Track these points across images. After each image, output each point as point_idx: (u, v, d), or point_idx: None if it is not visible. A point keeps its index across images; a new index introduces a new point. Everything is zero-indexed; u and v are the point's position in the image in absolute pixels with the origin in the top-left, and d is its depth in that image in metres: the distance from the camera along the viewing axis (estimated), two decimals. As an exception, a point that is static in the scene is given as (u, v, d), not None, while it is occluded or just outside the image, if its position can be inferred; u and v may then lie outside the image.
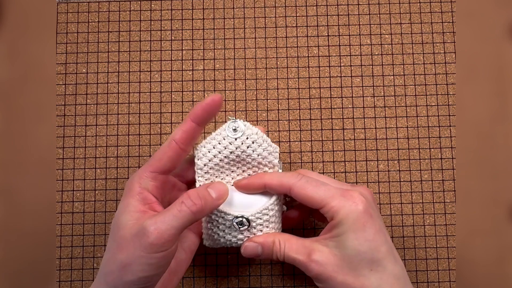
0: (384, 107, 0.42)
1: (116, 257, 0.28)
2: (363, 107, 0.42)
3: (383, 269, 0.29)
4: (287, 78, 0.42)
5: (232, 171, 0.34)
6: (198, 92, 0.42)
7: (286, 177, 0.32)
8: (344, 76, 0.42)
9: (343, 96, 0.42)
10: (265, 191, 0.33)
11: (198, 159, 0.33)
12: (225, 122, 0.33)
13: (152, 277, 0.28)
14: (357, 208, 0.30)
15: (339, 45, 0.43)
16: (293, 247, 0.31)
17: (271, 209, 0.33)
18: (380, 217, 0.31)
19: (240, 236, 0.33)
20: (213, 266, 0.40)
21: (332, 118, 0.41)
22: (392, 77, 0.42)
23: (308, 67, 0.42)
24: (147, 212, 0.29)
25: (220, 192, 0.30)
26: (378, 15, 0.43)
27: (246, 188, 0.33)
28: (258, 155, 0.33)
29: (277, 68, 0.42)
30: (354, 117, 0.41)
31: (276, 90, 0.42)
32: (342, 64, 0.42)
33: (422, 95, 0.42)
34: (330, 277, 0.29)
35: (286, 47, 0.43)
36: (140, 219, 0.28)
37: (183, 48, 0.43)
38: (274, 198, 0.33)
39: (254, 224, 0.32)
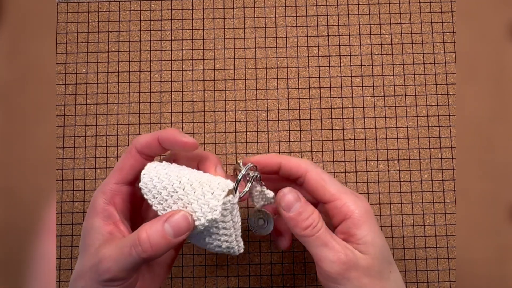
0: (384, 107, 0.42)
1: (76, 284, 0.27)
2: (363, 107, 0.42)
3: (395, 270, 0.29)
4: (287, 78, 0.42)
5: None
6: (198, 92, 0.42)
7: (303, 161, 0.31)
8: (344, 76, 0.42)
9: (343, 96, 0.42)
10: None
11: (143, 184, 0.29)
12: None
13: None
14: (368, 207, 0.29)
15: (339, 45, 0.43)
16: (328, 230, 0.29)
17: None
18: None
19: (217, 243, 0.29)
20: (213, 266, 0.40)
21: (332, 118, 0.41)
22: (392, 77, 0.42)
23: (308, 67, 0.42)
24: (111, 233, 0.28)
25: (179, 231, 0.26)
26: (378, 15, 0.43)
27: (259, 163, 0.31)
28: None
29: (277, 68, 0.42)
30: (354, 117, 0.41)
31: (276, 90, 0.42)
32: (342, 64, 0.42)
33: (422, 95, 0.42)
34: (359, 274, 0.27)
35: (286, 47, 0.43)
36: (101, 246, 0.27)
37: (183, 48, 0.43)
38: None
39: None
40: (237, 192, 0.29)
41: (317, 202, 0.32)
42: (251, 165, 0.30)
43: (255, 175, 0.30)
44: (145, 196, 0.29)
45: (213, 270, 0.40)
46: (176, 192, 0.28)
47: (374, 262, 0.28)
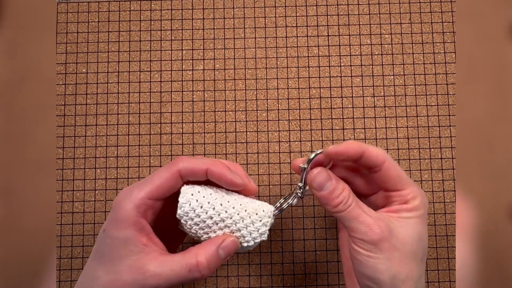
0: (384, 107, 0.42)
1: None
2: (363, 107, 0.42)
3: (423, 265, 0.30)
4: (287, 78, 0.42)
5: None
6: (198, 92, 0.42)
7: (380, 150, 0.32)
8: (344, 76, 0.42)
9: (343, 96, 0.42)
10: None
11: (183, 215, 0.30)
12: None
13: None
14: (427, 204, 0.31)
15: (339, 45, 0.43)
16: (361, 204, 0.30)
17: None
18: None
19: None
20: (213, 266, 0.40)
21: (332, 118, 0.41)
22: (392, 77, 0.42)
23: (308, 67, 0.42)
24: (147, 246, 0.29)
25: (229, 255, 0.30)
26: (378, 15, 0.43)
27: (342, 153, 0.31)
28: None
29: (277, 68, 0.42)
30: (354, 117, 0.41)
31: (276, 90, 0.42)
32: (342, 64, 0.42)
33: (422, 95, 0.42)
34: (391, 247, 0.29)
35: (286, 47, 0.43)
36: (142, 259, 0.28)
37: (183, 48, 0.43)
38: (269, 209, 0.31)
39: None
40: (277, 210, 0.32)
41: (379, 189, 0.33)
42: (305, 188, 0.32)
43: (299, 193, 0.32)
44: (183, 222, 0.30)
45: (213, 270, 0.40)
46: (223, 221, 0.30)
47: (409, 241, 0.29)
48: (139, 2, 0.43)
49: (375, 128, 0.41)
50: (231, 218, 0.30)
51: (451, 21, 0.43)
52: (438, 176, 0.41)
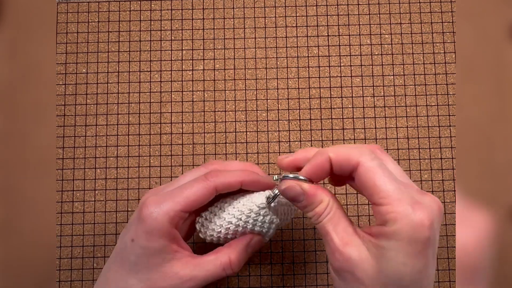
0: (384, 107, 0.42)
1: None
2: (363, 107, 0.42)
3: None
4: (287, 78, 0.42)
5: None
6: (198, 92, 0.42)
7: (356, 150, 0.26)
8: (344, 76, 0.42)
9: (343, 96, 0.42)
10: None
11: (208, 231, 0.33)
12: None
13: None
14: (421, 230, 0.24)
15: (339, 45, 0.43)
16: (336, 221, 0.27)
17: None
18: (437, 242, 0.26)
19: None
20: (213, 266, 0.40)
21: (332, 118, 0.41)
22: (392, 77, 0.42)
23: (308, 67, 0.42)
24: (178, 252, 0.30)
25: (256, 250, 0.32)
26: (378, 15, 0.43)
27: (289, 165, 0.30)
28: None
29: (277, 68, 0.42)
30: (354, 117, 0.41)
31: (276, 90, 0.42)
32: (342, 64, 0.42)
33: (422, 95, 0.42)
34: (355, 279, 0.25)
35: (286, 47, 0.43)
36: (175, 266, 0.29)
37: (183, 48, 0.43)
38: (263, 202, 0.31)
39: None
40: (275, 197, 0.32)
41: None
42: (277, 192, 0.30)
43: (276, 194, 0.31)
44: (203, 237, 0.33)
45: (213, 270, 0.40)
46: (237, 231, 0.32)
47: (380, 273, 0.24)
48: (139, 2, 0.43)
49: (375, 128, 0.41)
50: (241, 219, 0.31)
51: (451, 21, 0.43)
52: (438, 176, 0.41)
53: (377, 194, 0.25)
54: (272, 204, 0.31)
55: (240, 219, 0.31)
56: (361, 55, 0.42)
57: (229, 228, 0.31)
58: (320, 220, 0.27)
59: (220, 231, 0.32)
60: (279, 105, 0.42)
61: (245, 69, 0.42)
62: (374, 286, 0.24)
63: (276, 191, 0.30)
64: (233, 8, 0.43)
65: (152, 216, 0.29)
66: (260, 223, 0.32)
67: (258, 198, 0.31)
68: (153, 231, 0.29)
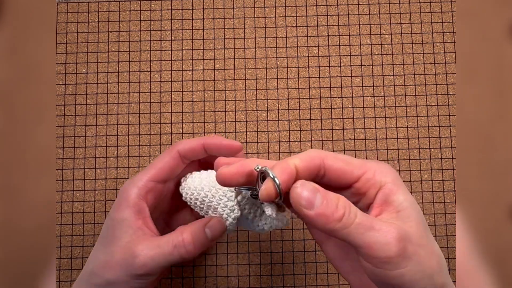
0: (384, 107, 0.42)
1: (104, 274, 0.28)
2: (363, 107, 0.42)
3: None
4: (287, 78, 0.42)
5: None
6: (198, 92, 0.42)
7: (312, 152, 0.26)
8: (344, 76, 0.42)
9: (343, 96, 0.42)
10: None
11: (183, 192, 0.32)
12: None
13: None
14: (394, 170, 0.26)
15: (339, 45, 0.43)
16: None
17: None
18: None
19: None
20: (213, 266, 0.40)
21: (332, 118, 0.41)
22: (392, 77, 0.42)
23: (308, 67, 0.42)
24: (141, 229, 0.29)
25: (216, 234, 0.29)
26: (378, 15, 0.43)
27: (232, 177, 0.26)
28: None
29: (277, 68, 0.42)
30: (354, 117, 0.41)
31: (276, 90, 0.42)
32: (342, 64, 0.42)
33: (422, 95, 0.42)
34: (412, 253, 0.23)
35: (286, 47, 0.43)
36: (133, 241, 0.29)
37: (183, 48, 0.43)
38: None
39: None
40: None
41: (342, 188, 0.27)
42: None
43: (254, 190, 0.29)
44: (189, 204, 0.31)
45: (213, 270, 0.40)
46: (204, 200, 0.30)
47: (419, 227, 0.24)
48: (139, 2, 0.43)
49: (375, 128, 0.41)
50: (207, 196, 0.30)
51: (451, 21, 0.43)
52: (438, 176, 0.41)
53: (354, 168, 0.26)
54: (242, 194, 0.29)
55: (210, 190, 0.30)
56: (361, 55, 0.42)
57: (199, 195, 0.30)
58: (355, 214, 0.23)
59: (193, 194, 0.30)
60: (279, 105, 0.42)
61: (245, 69, 0.42)
62: (421, 234, 0.24)
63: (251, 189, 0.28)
64: (233, 8, 0.43)
65: (123, 189, 0.30)
66: (223, 205, 0.30)
67: None
68: (121, 202, 0.30)
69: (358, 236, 0.23)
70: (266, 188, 0.24)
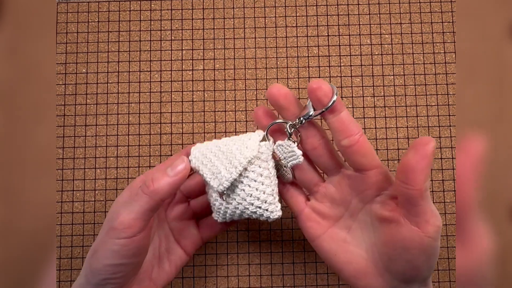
0: (384, 107, 0.42)
1: (92, 246, 0.29)
2: (363, 107, 0.42)
3: None
4: (287, 78, 0.42)
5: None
6: (198, 92, 0.42)
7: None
8: (344, 76, 0.42)
9: (343, 96, 0.42)
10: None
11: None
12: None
13: (117, 266, 0.28)
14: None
15: (339, 45, 0.43)
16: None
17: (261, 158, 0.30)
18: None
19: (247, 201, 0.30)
20: (213, 266, 0.40)
21: (332, 118, 0.41)
22: (392, 77, 0.42)
23: (308, 67, 0.42)
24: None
25: (177, 170, 0.29)
26: (378, 15, 0.43)
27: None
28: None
29: (277, 68, 0.42)
30: (354, 117, 0.41)
31: (276, 90, 0.42)
32: (342, 64, 0.42)
33: (422, 95, 0.42)
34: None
35: (286, 47, 0.43)
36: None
37: (183, 48, 0.43)
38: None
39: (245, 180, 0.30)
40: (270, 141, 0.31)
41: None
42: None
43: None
44: (192, 165, 0.30)
45: (213, 270, 0.40)
46: (218, 153, 0.30)
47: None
48: (139, 2, 0.43)
49: (375, 128, 0.41)
50: (222, 150, 0.30)
51: (451, 21, 0.43)
52: (438, 176, 0.41)
53: (375, 156, 0.30)
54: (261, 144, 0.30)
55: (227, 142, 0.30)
56: (361, 55, 0.42)
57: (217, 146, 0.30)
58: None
59: (207, 147, 0.31)
60: (279, 105, 0.42)
61: (245, 69, 0.42)
62: None
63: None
64: (233, 8, 0.43)
65: (134, 183, 0.32)
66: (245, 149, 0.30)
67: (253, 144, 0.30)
68: (129, 193, 0.31)
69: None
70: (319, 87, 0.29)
